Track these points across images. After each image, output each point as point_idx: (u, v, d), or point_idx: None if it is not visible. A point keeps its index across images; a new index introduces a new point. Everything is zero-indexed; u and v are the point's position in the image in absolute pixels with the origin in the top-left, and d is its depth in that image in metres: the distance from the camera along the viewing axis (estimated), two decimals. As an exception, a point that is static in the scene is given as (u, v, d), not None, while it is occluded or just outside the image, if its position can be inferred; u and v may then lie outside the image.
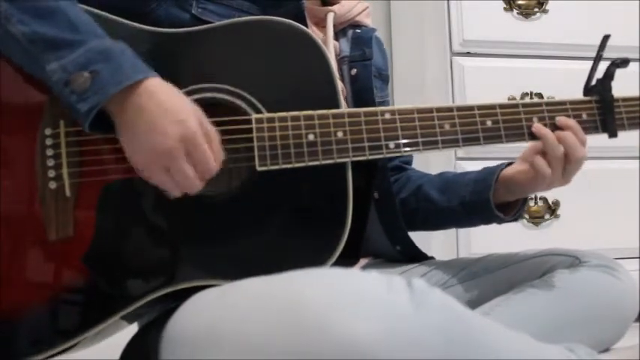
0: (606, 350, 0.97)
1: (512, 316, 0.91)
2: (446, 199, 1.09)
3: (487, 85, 1.70)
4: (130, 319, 0.91)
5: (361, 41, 1.08)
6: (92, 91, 0.75)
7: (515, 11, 1.74)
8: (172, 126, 0.76)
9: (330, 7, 1.05)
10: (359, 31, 1.10)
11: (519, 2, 1.74)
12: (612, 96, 0.96)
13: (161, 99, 0.77)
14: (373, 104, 1.02)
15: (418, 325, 0.63)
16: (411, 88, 1.70)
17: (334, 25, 1.05)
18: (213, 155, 0.78)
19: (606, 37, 0.99)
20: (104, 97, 0.75)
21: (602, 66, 0.99)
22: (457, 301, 0.70)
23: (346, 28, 1.10)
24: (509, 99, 1.70)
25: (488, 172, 1.04)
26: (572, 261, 0.99)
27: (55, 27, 0.77)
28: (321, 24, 1.04)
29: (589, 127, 0.95)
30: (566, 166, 0.92)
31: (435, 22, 1.73)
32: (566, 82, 1.68)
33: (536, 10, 1.75)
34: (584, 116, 0.95)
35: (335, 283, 0.65)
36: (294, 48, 0.87)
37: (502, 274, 1.03)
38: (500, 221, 1.04)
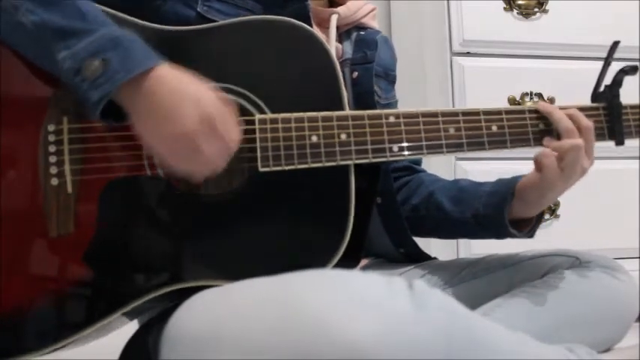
0: (607, 350, 0.97)
1: (512, 316, 0.91)
2: (458, 210, 1.06)
3: (487, 85, 1.70)
4: (131, 315, 0.91)
5: (364, 44, 1.07)
6: (103, 79, 0.74)
7: (515, 11, 1.74)
8: (189, 109, 0.75)
9: (334, 9, 1.04)
10: (363, 33, 1.09)
11: (519, 2, 1.74)
12: (620, 103, 0.96)
13: (173, 84, 0.76)
14: (374, 108, 1.01)
15: (419, 327, 0.63)
16: (411, 88, 1.70)
17: (338, 27, 1.04)
18: (231, 132, 0.78)
19: (616, 43, 0.98)
20: (115, 85, 0.74)
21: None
22: (457, 301, 0.70)
23: (351, 30, 1.09)
24: (509, 99, 1.71)
25: (503, 184, 1.02)
26: (573, 262, 0.99)
27: (65, 16, 0.76)
28: (324, 25, 1.04)
29: (596, 135, 0.93)
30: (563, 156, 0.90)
31: (435, 22, 1.73)
32: (566, 82, 1.70)
33: (536, 10, 1.75)
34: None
35: (335, 285, 0.65)
36: (299, 48, 0.86)
37: (502, 275, 1.02)
38: (513, 236, 1.01)
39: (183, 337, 0.70)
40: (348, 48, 1.07)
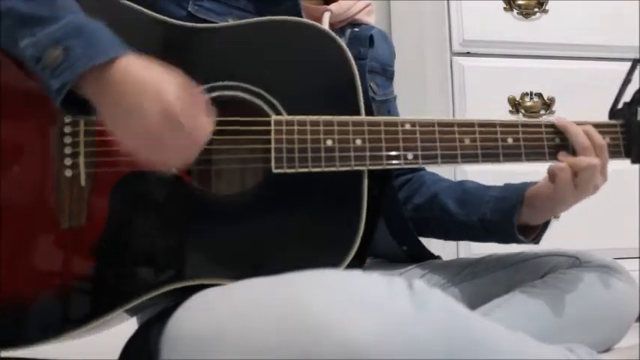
0: (607, 350, 0.97)
1: (512, 316, 0.91)
2: (464, 212, 1.06)
3: (487, 85, 1.70)
4: (132, 312, 0.91)
5: (358, 40, 1.07)
6: (64, 67, 0.73)
7: (515, 11, 1.74)
8: (150, 103, 0.72)
9: (327, 6, 1.04)
10: (357, 30, 1.08)
11: (519, 2, 1.74)
12: (638, 121, 0.96)
13: (135, 76, 0.73)
14: (369, 106, 1.00)
15: (419, 327, 0.63)
16: (411, 88, 1.70)
17: (332, 24, 1.03)
18: (198, 122, 0.75)
19: (636, 61, 0.98)
20: (75, 74, 0.72)
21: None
22: (457, 301, 0.71)
23: (345, 27, 1.08)
24: (509, 99, 1.70)
25: (512, 190, 1.01)
26: (573, 261, 0.99)
27: (32, 2, 0.75)
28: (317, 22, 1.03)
29: (612, 152, 0.94)
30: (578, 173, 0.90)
31: (435, 22, 1.73)
32: (566, 82, 1.69)
33: (536, 10, 1.75)
34: (608, 140, 0.93)
35: (336, 285, 0.65)
36: (317, 50, 0.86)
37: (502, 275, 1.02)
38: (519, 242, 1.01)
39: (184, 337, 0.70)
40: None
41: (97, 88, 0.74)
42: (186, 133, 0.73)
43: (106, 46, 0.74)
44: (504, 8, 1.74)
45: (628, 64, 0.99)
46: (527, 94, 1.72)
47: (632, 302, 0.99)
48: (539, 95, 1.72)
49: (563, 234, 1.66)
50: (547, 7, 1.75)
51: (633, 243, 1.65)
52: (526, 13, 1.74)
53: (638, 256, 1.66)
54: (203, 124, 0.75)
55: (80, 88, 0.74)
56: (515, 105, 1.70)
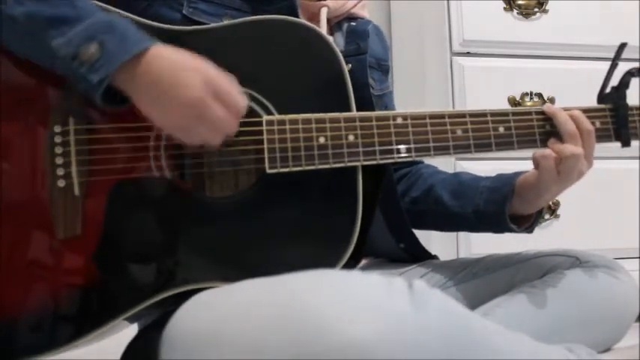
0: (606, 350, 0.97)
1: (512, 316, 0.91)
2: (458, 204, 1.06)
3: (487, 85, 1.70)
4: (131, 319, 0.91)
5: (356, 35, 1.07)
6: (102, 62, 0.75)
7: (515, 11, 1.74)
8: (192, 77, 0.77)
9: (323, 2, 1.04)
10: (354, 24, 1.09)
11: (519, 2, 1.74)
12: (627, 105, 0.96)
13: (172, 58, 0.78)
14: (369, 100, 1.01)
15: (418, 327, 0.63)
16: (411, 88, 1.70)
17: (329, 20, 1.04)
18: (237, 95, 0.79)
19: (623, 45, 0.98)
20: (115, 66, 0.75)
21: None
22: (457, 302, 0.71)
23: (342, 21, 1.08)
24: (509, 99, 1.71)
25: (503, 180, 1.02)
26: (573, 261, 0.99)
27: (53, 5, 0.77)
28: (314, 19, 1.03)
29: (602, 136, 0.94)
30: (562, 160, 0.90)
31: (435, 22, 1.73)
32: (566, 82, 1.70)
33: (536, 10, 1.75)
34: (598, 124, 0.94)
35: (335, 285, 0.65)
36: (305, 48, 0.86)
37: (502, 275, 1.02)
38: (512, 231, 1.02)
39: (183, 336, 0.70)
40: (339, 40, 1.06)
41: (133, 76, 0.77)
42: (227, 102, 0.78)
43: (137, 39, 0.78)
44: (504, 8, 1.74)
45: (628, 64, 1.00)
46: (527, 94, 1.72)
47: (632, 302, 0.99)
48: (539, 95, 1.72)
49: (563, 234, 1.67)
50: (547, 7, 1.75)
51: (633, 243, 1.66)
52: (526, 13, 1.74)
53: (638, 256, 1.66)
54: (240, 98, 0.79)
55: (115, 79, 0.77)
56: (515, 105, 1.70)
